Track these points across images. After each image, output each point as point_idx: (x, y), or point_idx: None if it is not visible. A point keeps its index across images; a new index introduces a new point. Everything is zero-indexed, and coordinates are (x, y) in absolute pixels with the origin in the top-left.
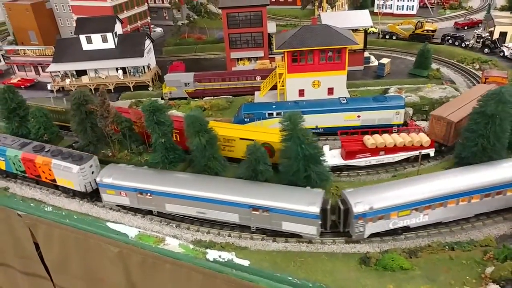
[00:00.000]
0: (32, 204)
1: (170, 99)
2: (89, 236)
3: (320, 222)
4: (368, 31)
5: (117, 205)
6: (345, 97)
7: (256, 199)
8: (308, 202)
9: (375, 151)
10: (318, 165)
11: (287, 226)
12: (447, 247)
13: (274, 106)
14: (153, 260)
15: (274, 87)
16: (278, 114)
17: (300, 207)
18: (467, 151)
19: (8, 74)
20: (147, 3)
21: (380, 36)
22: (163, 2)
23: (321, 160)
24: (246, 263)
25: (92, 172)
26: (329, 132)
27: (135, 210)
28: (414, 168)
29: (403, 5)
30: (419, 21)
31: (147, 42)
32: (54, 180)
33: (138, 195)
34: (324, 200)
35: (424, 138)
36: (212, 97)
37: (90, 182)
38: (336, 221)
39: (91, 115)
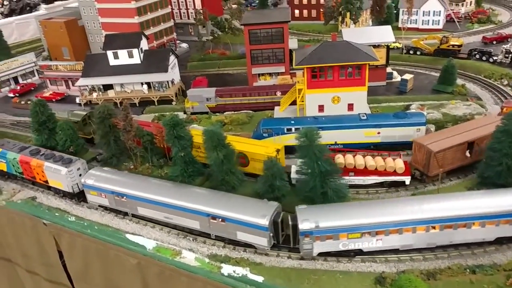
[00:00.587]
0: (56, 214)
1: (192, 113)
2: (109, 247)
3: (271, 234)
4: (391, 47)
5: (99, 205)
6: (365, 113)
7: (214, 209)
8: (260, 214)
9: (344, 171)
10: (335, 182)
11: (241, 236)
12: (468, 270)
13: (293, 122)
14: (170, 272)
15: (294, 103)
16: (296, 129)
17: (252, 219)
18: (491, 171)
19: (41, 88)
20: (173, 20)
21: (404, 51)
22: (188, 18)
23: (339, 177)
24: (260, 279)
25: (80, 175)
26: (349, 148)
27: (155, 223)
28: (434, 186)
29: (428, 20)
30: (444, 36)
31: (172, 57)
32: (47, 181)
33: (115, 197)
34: (277, 213)
35: (398, 165)
36: (232, 112)
37: (77, 184)
38: (291, 235)
39: (114, 128)
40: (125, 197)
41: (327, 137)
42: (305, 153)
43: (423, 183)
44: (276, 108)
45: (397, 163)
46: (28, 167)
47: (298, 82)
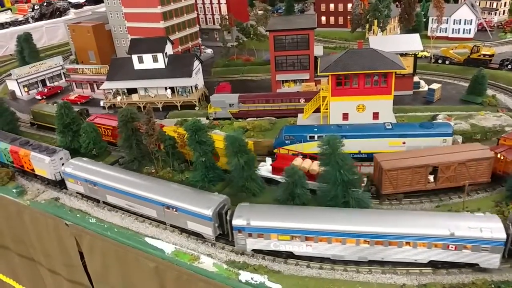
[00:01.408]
0: (78, 215)
1: (215, 119)
2: (128, 250)
3: (216, 225)
4: (419, 55)
5: (77, 192)
6: (390, 123)
7: (168, 199)
8: (206, 205)
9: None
10: (357, 191)
11: (191, 225)
12: (493, 286)
13: (316, 129)
14: (187, 277)
15: (318, 110)
16: (319, 137)
17: (198, 209)
18: None
19: (67, 91)
20: (199, 25)
21: (432, 60)
22: (214, 24)
23: (361, 186)
24: (278, 287)
25: (62, 164)
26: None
27: (173, 228)
28: (459, 199)
29: (459, 29)
30: (475, 45)
31: (196, 63)
32: (33, 170)
33: (88, 185)
34: (223, 206)
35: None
36: (255, 118)
37: (59, 172)
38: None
39: (137, 132)
40: (96, 186)
41: (351, 146)
42: (327, 161)
43: (380, 199)
44: (300, 115)
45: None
46: (17, 156)
47: (322, 89)
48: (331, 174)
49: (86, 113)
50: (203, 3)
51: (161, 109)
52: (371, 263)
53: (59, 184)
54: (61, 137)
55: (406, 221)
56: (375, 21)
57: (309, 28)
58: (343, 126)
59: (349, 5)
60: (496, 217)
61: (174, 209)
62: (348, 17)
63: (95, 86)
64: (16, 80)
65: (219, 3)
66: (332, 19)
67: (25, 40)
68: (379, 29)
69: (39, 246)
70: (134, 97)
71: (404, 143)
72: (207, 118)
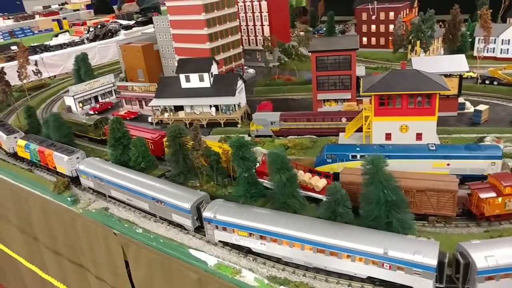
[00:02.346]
0: (126, 225)
1: (257, 136)
2: (172, 260)
3: (194, 217)
4: (465, 76)
5: (89, 188)
6: (434, 143)
7: (157, 194)
8: (186, 200)
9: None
10: (401, 212)
11: (175, 217)
12: None
13: (358, 149)
14: None
15: (359, 130)
16: (361, 156)
17: (179, 203)
18: None
19: (117, 107)
20: (242, 46)
21: (479, 81)
22: (256, 45)
23: (405, 207)
24: None
25: (78, 163)
26: None
27: (216, 244)
28: (511, 225)
29: (508, 49)
30: None
31: (239, 82)
32: (55, 167)
33: (97, 181)
34: (202, 201)
35: (317, 183)
36: (296, 136)
37: (75, 170)
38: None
39: (184, 147)
40: (103, 181)
41: (394, 166)
42: (370, 181)
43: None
44: (341, 134)
45: (318, 181)
46: (43, 155)
47: (364, 109)
48: (375, 194)
49: (105, 122)
50: (247, 25)
51: (205, 126)
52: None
53: (74, 180)
54: (112, 151)
55: (348, 234)
56: (418, 42)
57: (351, 49)
58: (386, 146)
59: (391, 26)
60: (437, 244)
61: (162, 203)
62: (390, 38)
63: (143, 103)
64: (73, 96)
65: (262, 24)
66: (373, 39)
67: (82, 60)
68: (422, 50)
69: (88, 253)
70: (181, 114)
71: (448, 164)
72: (249, 135)
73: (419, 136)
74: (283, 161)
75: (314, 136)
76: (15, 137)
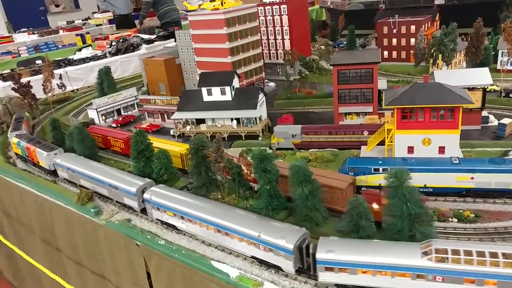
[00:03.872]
0: (148, 237)
1: (278, 149)
2: (194, 272)
3: (140, 200)
4: (489, 89)
5: (64, 179)
6: (457, 157)
7: (112, 181)
8: (132, 184)
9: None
10: (424, 226)
11: (126, 200)
12: None
13: (381, 162)
14: None
15: (381, 143)
16: (384, 169)
17: (127, 187)
18: None
19: (140, 120)
20: (263, 60)
21: (503, 94)
22: (277, 59)
23: (429, 220)
24: None
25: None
26: (439, 192)
27: (238, 255)
28: None
29: None
30: None
31: (260, 95)
32: (38, 162)
33: (70, 172)
34: (144, 186)
35: None
36: (317, 149)
37: (53, 164)
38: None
39: (206, 159)
40: (74, 172)
41: (416, 179)
42: (394, 194)
43: None
44: (363, 147)
45: None
46: (30, 151)
47: (387, 122)
48: (398, 207)
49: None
50: (268, 39)
51: (226, 139)
52: None
53: (53, 173)
54: (135, 163)
55: (239, 219)
56: (440, 55)
57: (373, 63)
58: (408, 159)
59: (412, 40)
60: (301, 231)
61: (116, 188)
62: (411, 52)
63: (165, 115)
64: (96, 109)
65: (283, 38)
66: (394, 53)
67: (105, 73)
68: (444, 63)
69: (110, 264)
70: (202, 127)
71: (472, 178)
72: (270, 148)
73: (441, 149)
74: (305, 173)
75: (336, 149)
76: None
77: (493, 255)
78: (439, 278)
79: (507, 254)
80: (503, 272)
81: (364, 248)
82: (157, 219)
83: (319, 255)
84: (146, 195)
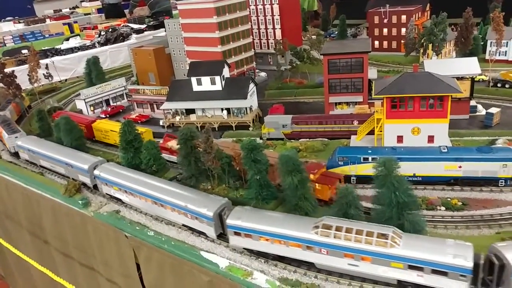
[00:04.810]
0: (137, 228)
1: (268, 139)
2: (183, 263)
3: (92, 177)
4: (477, 79)
5: (26, 160)
6: (446, 146)
7: (68, 159)
8: (84, 162)
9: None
10: (413, 214)
11: (80, 177)
12: None
13: (370, 151)
14: None
15: (371, 132)
16: (373, 159)
17: (80, 164)
18: None
19: (129, 110)
20: (254, 49)
21: (491, 84)
22: (268, 49)
23: (417, 209)
24: None
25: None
26: (428, 181)
27: (227, 245)
28: None
29: None
30: None
31: (251, 85)
32: (5, 144)
33: (31, 153)
34: (96, 164)
35: (174, 144)
36: (308, 139)
37: (15, 146)
38: None
39: (195, 150)
40: (34, 153)
41: (405, 168)
42: (382, 183)
43: None
44: (353, 137)
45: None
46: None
47: (376, 111)
48: (386, 196)
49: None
50: (259, 28)
51: (217, 129)
52: None
53: (16, 155)
54: (124, 154)
55: (171, 191)
56: (430, 45)
57: (363, 52)
58: (397, 148)
59: (403, 30)
60: (222, 200)
61: (71, 166)
62: (402, 41)
63: (155, 106)
64: (84, 100)
65: (274, 28)
66: (385, 43)
67: (94, 63)
68: (434, 53)
69: (99, 256)
70: (192, 117)
71: (460, 167)
72: (261, 138)
73: (431, 138)
74: (295, 163)
75: (326, 139)
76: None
77: (369, 234)
78: (324, 251)
79: (380, 234)
80: (374, 250)
81: (269, 218)
82: (106, 193)
83: (229, 221)
84: (96, 172)
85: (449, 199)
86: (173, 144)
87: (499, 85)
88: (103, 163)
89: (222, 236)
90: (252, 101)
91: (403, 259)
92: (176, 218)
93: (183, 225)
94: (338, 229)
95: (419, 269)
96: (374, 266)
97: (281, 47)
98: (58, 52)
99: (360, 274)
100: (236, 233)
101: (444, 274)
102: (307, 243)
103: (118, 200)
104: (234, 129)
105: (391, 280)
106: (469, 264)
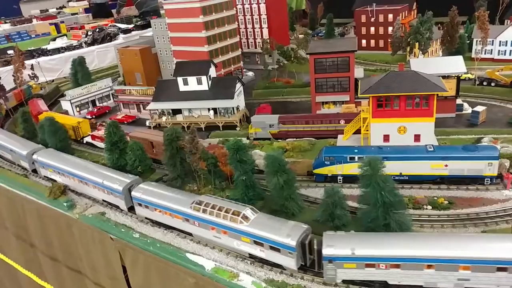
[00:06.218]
0: (122, 230)
1: (255, 139)
2: (169, 265)
3: (32, 162)
4: (463, 78)
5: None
6: (432, 145)
7: (11, 145)
8: (23, 148)
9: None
10: (399, 213)
11: (22, 163)
12: None
13: (356, 150)
14: None
15: (358, 131)
16: (359, 158)
17: (19, 150)
18: None
19: (115, 111)
20: (241, 49)
21: (477, 82)
22: (255, 48)
23: (403, 208)
24: None
25: None
26: (415, 180)
27: (212, 245)
28: (508, 225)
29: (505, 50)
30: None
31: (238, 85)
32: None
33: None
34: (35, 150)
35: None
36: (295, 139)
37: None
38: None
39: (181, 151)
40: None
41: (392, 167)
42: (368, 183)
43: None
44: (340, 136)
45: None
46: None
47: (363, 111)
48: (372, 196)
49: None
50: (246, 28)
51: (203, 129)
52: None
53: None
54: (109, 155)
55: (94, 170)
56: (416, 44)
57: (349, 51)
58: (384, 147)
59: (390, 28)
60: (132, 178)
61: (14, 152)
62: (389, 40)
63: (141, 106)
64: (70, 100)
65: (261, 27)
66: (372, 42)
67: (79, 64)
68: (420, 52)
69: (85, 259)
70: (179, 117)
71: (446, 165)
72: (248, 138)
73: (417, 137)
74: (280, 163)
75: (313, 139)
76: None
77: (228, 211)
78: (196, 224)
79: (235, 211)
80: (229, 224)
81: (164, 193)
82: (44, 176)
83: (133, 194)
84: (34, 156)
85: (435, 198)
86: (102, 132)
87: (485, 83)
88: (41, 148)
89: (132, 209)
90: (239, 100)
91: (249, 235)
92: (97, 194)
93: (103, 200)
94: (207, 205)
95: (261, 244)
96: (230, 239)
97: (268, 46)
98: (45, 53)
99: (223, 246)
100: (139, 204)
101: (278, 250)
102: (185, 216)
103: (53, 180)
104: (221, 129)
105: (244, 253)
106: (293, 243)
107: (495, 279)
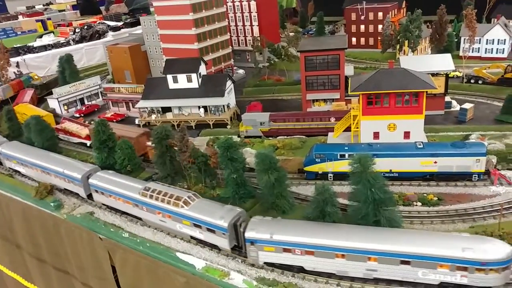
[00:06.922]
0: (112, 230)
1: (246, 137)
2: (159, 265)
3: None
4: (451, 75)
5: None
6: (421, 142)
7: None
8: None
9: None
10: (389, 210)
11: (7, 164)
12: None
13: (347, 148)
14: None
15: (348, 129)
16: (350, 155)
17: None
18: None
19: (104, 109)
20: (232, 46)
21: (465, 80)
22: (246, 46)
23: (393, 205)
24: None
25: None
26: (404, 177)
27: (204, 243)
28: (495, 220)
29: (492, 49)
30: (509, 65)
31: (228, 83)
32: None
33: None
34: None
35: (81, 131)
36: (285, 137)
37: None
38: None
39: (171, 149)
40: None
41: (382, 165)
42: (358, 180)
43: None
44: (330, 133)
45: (83, 130)
46: None
47: (353, 108)
48: (362, 193)
49: None
50: (236, 25)
51: (194, 127)
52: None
53: None
54: (97, 154)
55: (56, 160)
56: (406, 42)
57: (340, 49)
58: (374, 145)
59: (380, 26)
60: (90, 166)
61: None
62: (379, 38)
63: (130, 104)
64: (57, 98)
65: (251, 25)
66: (362, 40)
67: (67, 61)
68: (410, 50)
69: (73, 259)
70: (168, 116)
71: (435, 162)
72: (239, 136)
73: (406, 134)
74: (271, 161)
75: (304, 136)
76: None
77: (171, 196)
78: (144, 209)
79: (178, 196)
80: (171, 208)
81: (118, 180)
82: (9, 168)
83: (91, 181)
84: (3, 150)
85: (425, 195)
86: (67, 125)
87: (472, 81)
88: (6, 142)
89: (91, 197)
90: (229, 98)
91: (189, 218)
92: (59, 183)
93: (65, 189)
94: (153, 191)
95: (199, 227)
96: (174, 223)
97: (259, 44)
98: (31, 50)
99: (168, 230)
100: (96, 191)
101: (213, 232)
102: (134, 201)
103: (17, 172)
104: (211, 127)
105: (186, 236)
106: (225, 224)
107: (399, 271)
